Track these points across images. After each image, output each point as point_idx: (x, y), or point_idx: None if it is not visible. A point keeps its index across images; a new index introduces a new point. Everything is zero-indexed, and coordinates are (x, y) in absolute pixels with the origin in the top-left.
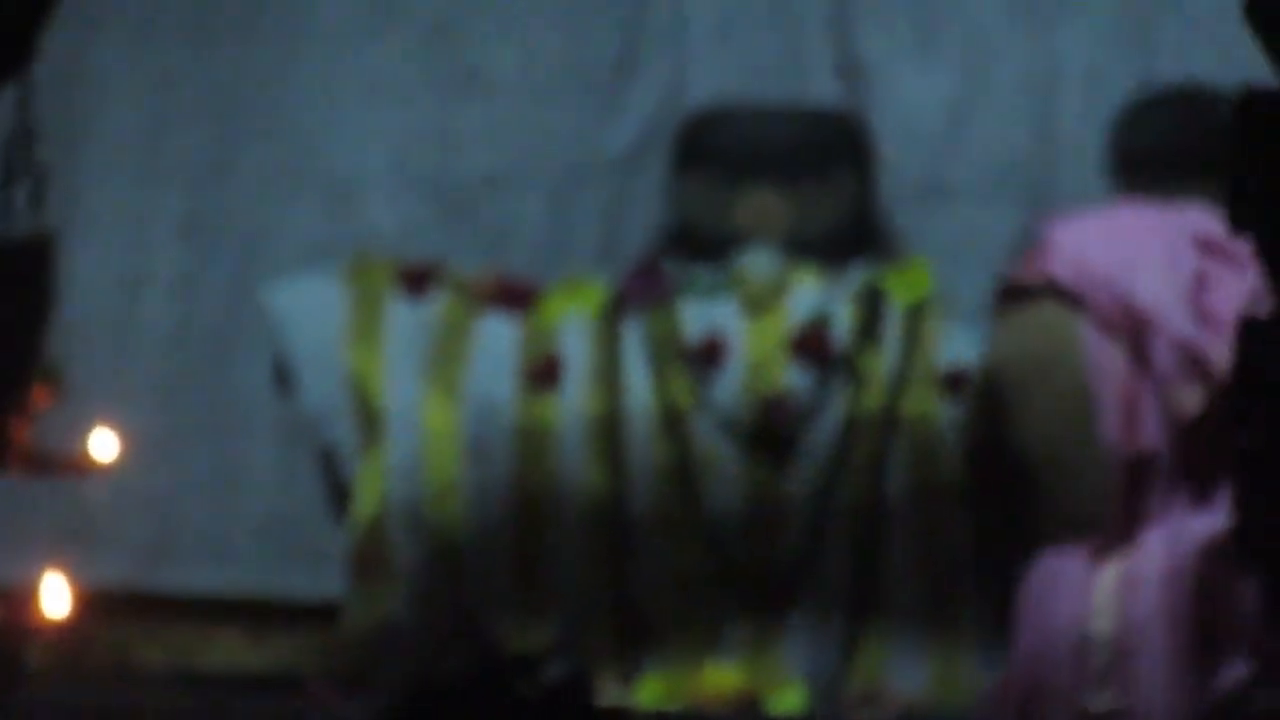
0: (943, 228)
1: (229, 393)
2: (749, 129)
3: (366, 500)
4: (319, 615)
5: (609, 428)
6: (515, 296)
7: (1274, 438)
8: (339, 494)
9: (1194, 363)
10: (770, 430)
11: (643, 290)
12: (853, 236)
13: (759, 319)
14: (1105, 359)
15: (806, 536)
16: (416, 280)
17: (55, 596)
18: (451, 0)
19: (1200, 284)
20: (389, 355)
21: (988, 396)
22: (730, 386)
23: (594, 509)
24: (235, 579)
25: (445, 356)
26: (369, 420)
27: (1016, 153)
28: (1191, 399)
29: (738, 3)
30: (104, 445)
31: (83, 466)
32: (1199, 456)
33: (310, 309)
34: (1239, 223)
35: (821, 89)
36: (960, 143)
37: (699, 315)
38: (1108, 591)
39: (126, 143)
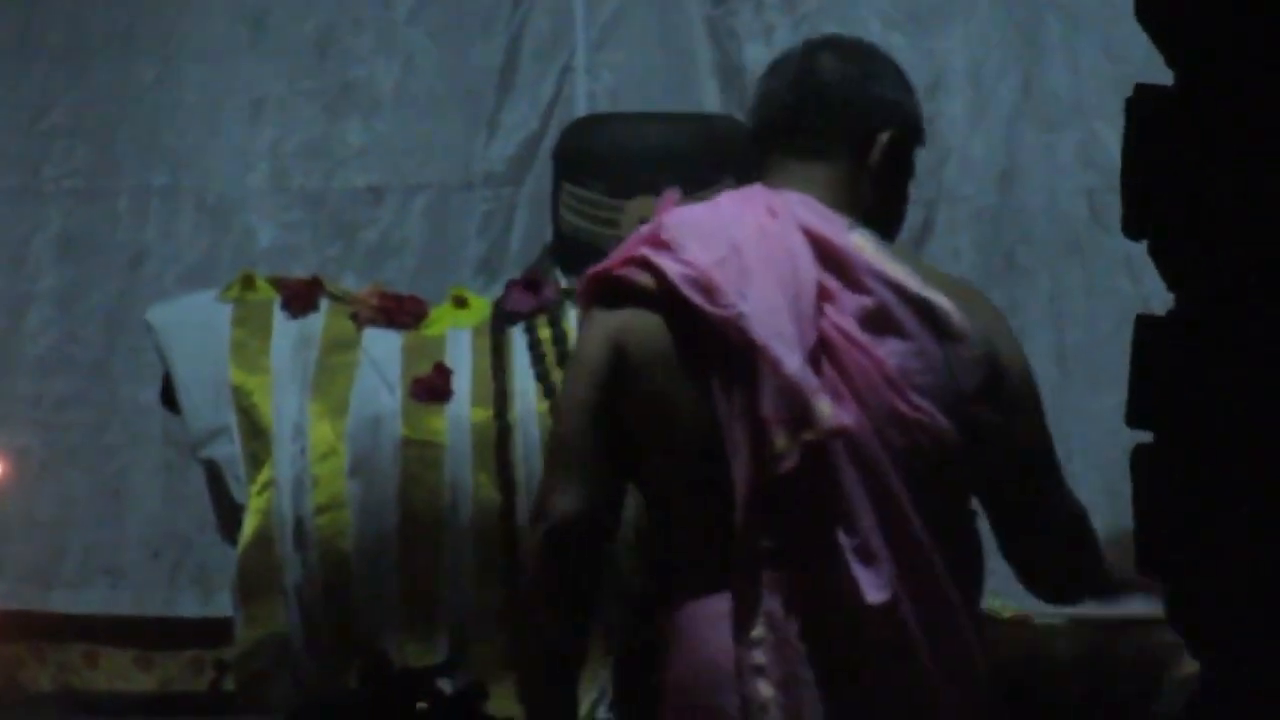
0: None
1: (113, 412)
2: (631, 137)
3: (254, 517)
4: (209, 634)
5: (497, 438)
6: (400, 313)
7: (1169, 439)
8: (226, 512)
9: (800, 410)
10: None
11: (527, 300)
12: None
13: None
14: (714, 387)
15: None
16: (299, 296)
17: None
18: (330, 15)
19: (819, 303)
20: (274, 372)
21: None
22: None
23: (484, 520)
24: (123, 599)
25: (330, 372)
26: (255, 437)
27: None
28: (789, 451)
29: (619, 12)
30: None
31: None
32: (803, 516)
33: (194, 328)
34: (1133, 225)
35: (705, 96)
36: None
37: None
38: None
39: (5, 162)
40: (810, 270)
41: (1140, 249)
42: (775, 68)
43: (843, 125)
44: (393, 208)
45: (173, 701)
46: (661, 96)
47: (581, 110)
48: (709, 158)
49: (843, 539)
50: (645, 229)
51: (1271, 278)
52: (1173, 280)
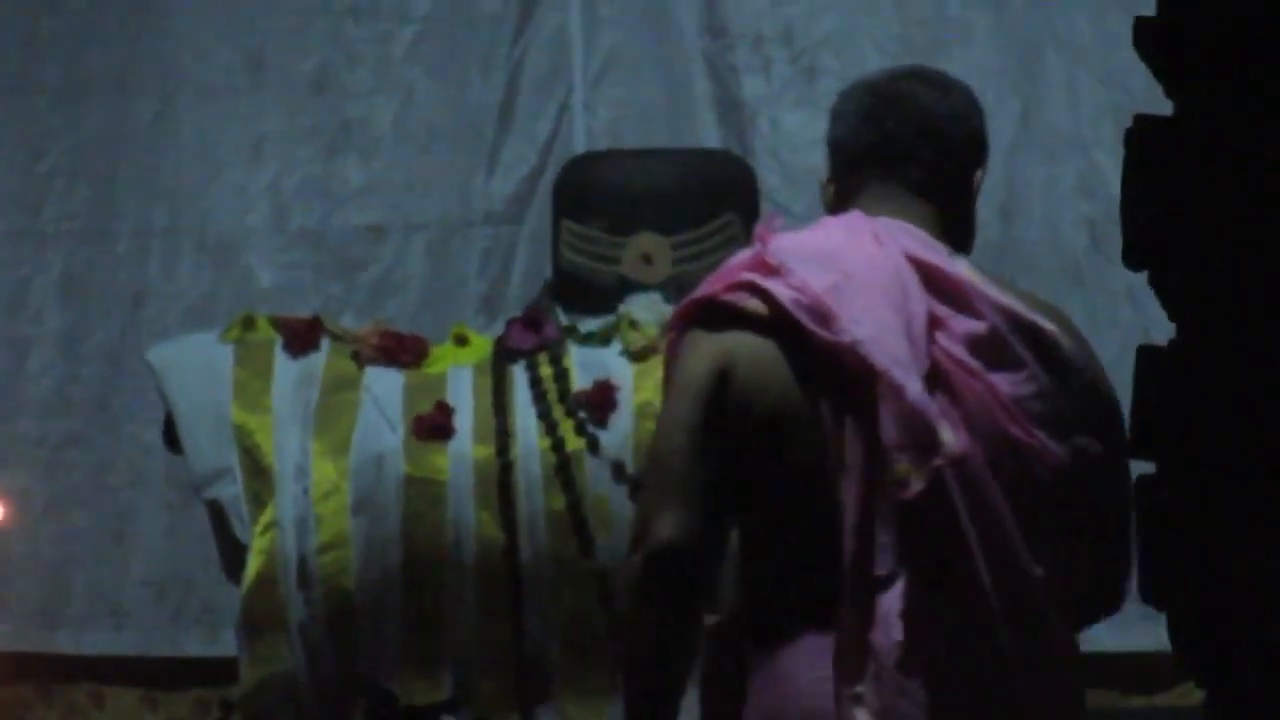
0: None
1: (115, 453)
2: (630, 174)
3: (257, 557)
4: (214, 674)
5: (499, 475)
6: (401, 351)
7: (1172, 468)
8: (230, 552)
9: (925, 436)
10: None
11: (528, 338)
12: None
13: (647, 363)
14: (825, 412)
15: None
16: (301, 336)
17: None
18: (328, 54)
19: (929, 330)
20: (276, 412)
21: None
22: (620, 431)
23: (486, 557)
24: (128, 639)
25: (332, 411)
26: (258, 477)
27: None
28: (916, 478)
29: (617, 48)
30: None
31: None
32: (919, 543)
33: (195, 368)
34: (1134, 255)
35: (704, 131)
36: None
37: (586, 361)
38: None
39: (5, 204)
40: (920, 297)
41: (1141, 279)
42: (870, 91)
43: (950, 160)
44: (393, 246)
45: None
46: (660, 132)
47: (580, 147)
48: (709, 193)
49: (952, 566)
50: (746, 254)
51: (1271, 307)
52: (1174, 310)
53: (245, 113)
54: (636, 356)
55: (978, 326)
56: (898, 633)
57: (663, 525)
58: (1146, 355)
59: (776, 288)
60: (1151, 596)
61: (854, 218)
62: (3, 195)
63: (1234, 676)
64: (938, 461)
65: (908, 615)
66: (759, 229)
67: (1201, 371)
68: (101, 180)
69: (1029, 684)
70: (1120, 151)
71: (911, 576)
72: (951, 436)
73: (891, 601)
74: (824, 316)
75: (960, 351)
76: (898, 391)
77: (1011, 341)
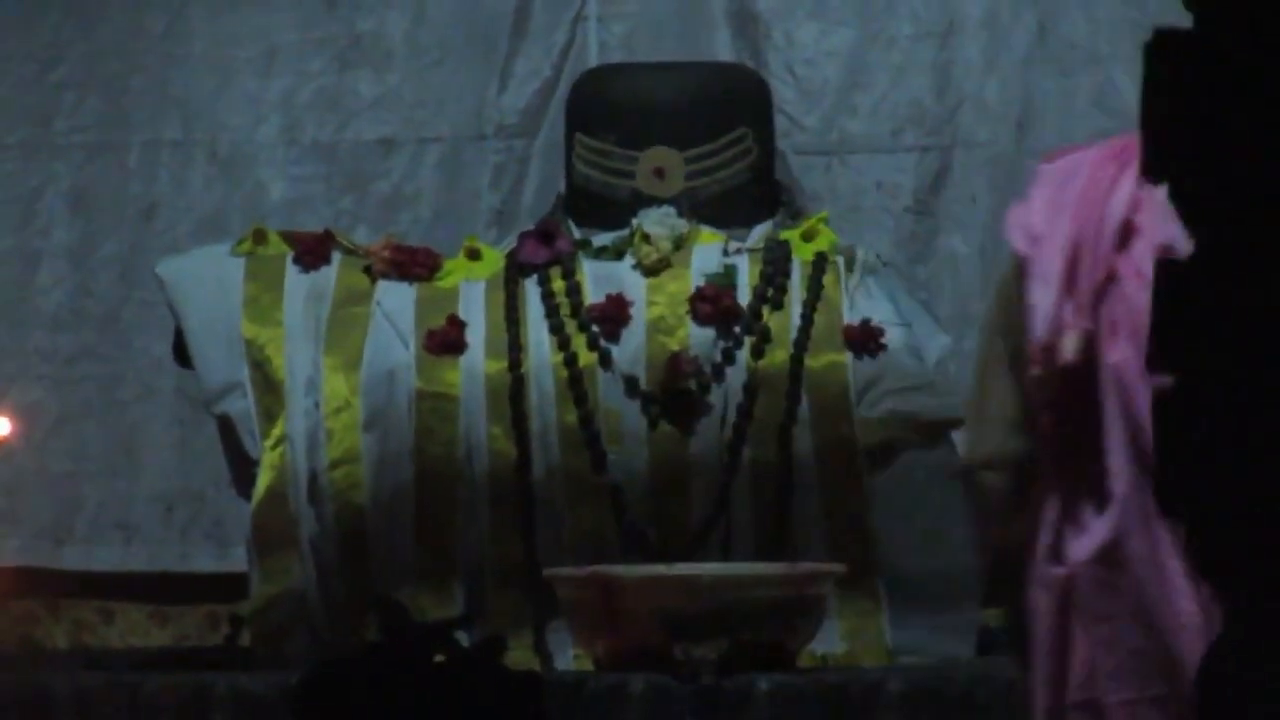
0: (843, 180)
1: (125, 367)
2: (645, 87)
3: (268, 472)
4: (224, 589)
5: (511, 390)
6: (413, 265)
7: (1192, 382)
8: (240, 467)
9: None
10: (673, 388)
11: (541, 252)
12: (753, 192)
13: (660, 278)
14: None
15: (712, 495)
16: (312, 249)
17: None
18: None
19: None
20: (287, 326)
21: None
22: (632, 345)
23: (498, 472)
24: (137, 555)
25: (343, 325)
26: (268, 392)
27: (915, 104)
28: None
29: None
30: None
31: None
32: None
33: (206, 281)
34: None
35: (718, 45)
36: (859, 94)
37: (599, 275)
38: None
39: (15, 115)
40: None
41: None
42: None
43: None
44: (405, 160)
45: (188, 657)
46: (673, 45)
47: (594, 60)
48: (723, 107)
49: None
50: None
51: None
52: (1192, 223)
53: (257, 25)
54: (649, 271)
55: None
56: None
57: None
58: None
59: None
60: (1171, 510)
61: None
62: (13, 107)
63: (1256, 590)
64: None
65: None
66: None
67: (1222, 284)
68: (112, 92)
69: None
70: (1138, 66)
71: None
72: (1073, 344)
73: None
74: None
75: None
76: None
77: None
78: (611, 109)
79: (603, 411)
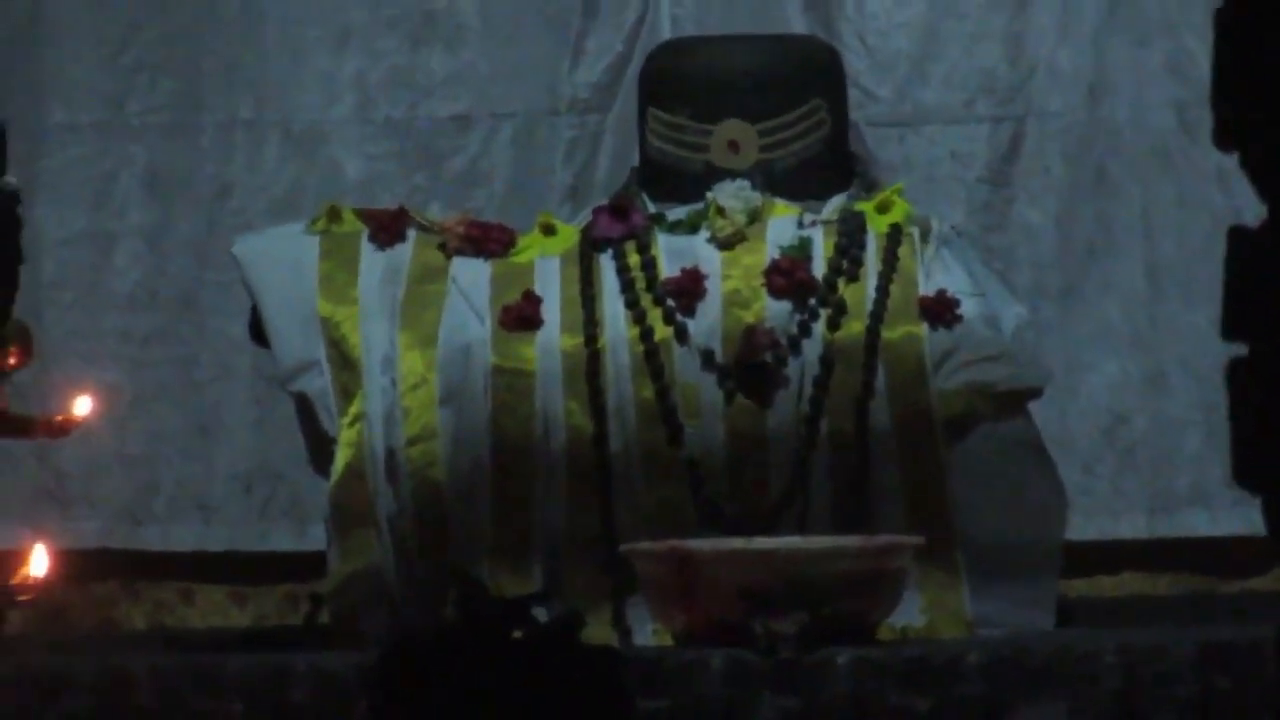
0: (917, 151)
1: (201, 347)
2: (718, 60)
3: (345, 450)
4: (302, 568)
5: (587, 365)
6: (488, 241)
7: (1265, 351)
8: (317, 445)
9: None
10: (750, 361)
11: (615, 226)
12: (827, 164)
13: (735, 251)
14: None
15: (789, 469)
16: (386, 227)
17: (34, 559)
18: None
19: None
20: (362, 303)
21: None
22: (708, 319)
23: (575, 447)
24: (216, 535)
25: (419, 302)
26: (345, 369)
27: (988, 73)
28: None
29: None
30: (78, 405)
31: (57, 427)
32: None
33: (281, 260)
34: (1225, 137)
35: (790, 17)
36: (931, 65)
37: (673, 249)
38: None
39: (89, 97)
40: None
41: (1232, 161)
42: None
43: None
44: (479, 136)
45: (268, 636)
46: (746, 18)
47: (666, 34)
48: (796, 79)
49: None
50: None
51: None
52: (1266, 192)
53: (330, 4)
54: (724, 244)
55: None
56: None
57: None
58: (1238, 237)
59: None
60: (1246, 480)
61: None
62: (86, 89)
63: None
64: None
65: None
66: None
67: None
68: (186, 72)
69: None
70: (1209, 34)
71: None
72: None
73: None
74: None
75: None
76: None
77: None
78: (685, 83)
79: (679, 386)
